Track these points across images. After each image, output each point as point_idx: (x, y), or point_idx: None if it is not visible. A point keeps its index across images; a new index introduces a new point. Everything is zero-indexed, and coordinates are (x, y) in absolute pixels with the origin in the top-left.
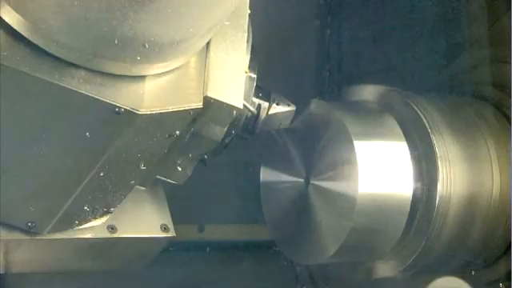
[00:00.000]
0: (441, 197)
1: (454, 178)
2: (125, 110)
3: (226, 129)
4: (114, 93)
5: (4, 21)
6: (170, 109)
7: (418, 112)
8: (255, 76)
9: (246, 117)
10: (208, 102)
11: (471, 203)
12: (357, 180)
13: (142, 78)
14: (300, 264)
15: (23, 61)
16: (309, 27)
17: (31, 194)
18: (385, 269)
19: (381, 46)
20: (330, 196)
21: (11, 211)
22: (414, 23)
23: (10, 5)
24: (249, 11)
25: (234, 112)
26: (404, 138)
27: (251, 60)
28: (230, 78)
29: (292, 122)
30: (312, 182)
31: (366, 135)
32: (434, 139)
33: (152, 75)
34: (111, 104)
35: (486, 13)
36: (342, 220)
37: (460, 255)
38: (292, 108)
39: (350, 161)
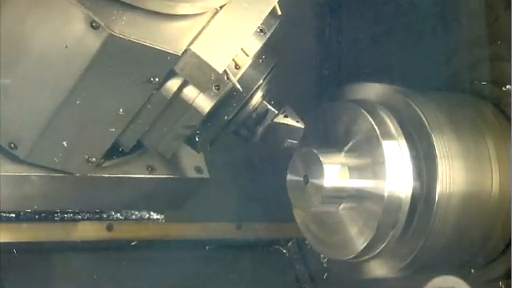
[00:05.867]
0: (440, 195)
1: (454, 176)
2: (101, 26)
3: (212, 102)
4: (98, 9)
5: None
6: (144, 42)
7: (418, 110)
8: (266, 73)
9: (249, 113)
10: (188, 55)
11: (470, 202)
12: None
13: (144, 11)
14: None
15: None
16: (309, 26)
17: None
18: (384, 267)
19: (381, 44)
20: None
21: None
22: (414, 22)
23: None
24: (279, 12)
25: (213, 75)
26: (403, 137)
27: (267, 58)
28: (222, 42)
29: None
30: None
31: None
32: (434, 138)
33: (156, 13)
34: (88, 15)
35: (486, 10)
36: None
37: (459, 254)
38: (300, 125)
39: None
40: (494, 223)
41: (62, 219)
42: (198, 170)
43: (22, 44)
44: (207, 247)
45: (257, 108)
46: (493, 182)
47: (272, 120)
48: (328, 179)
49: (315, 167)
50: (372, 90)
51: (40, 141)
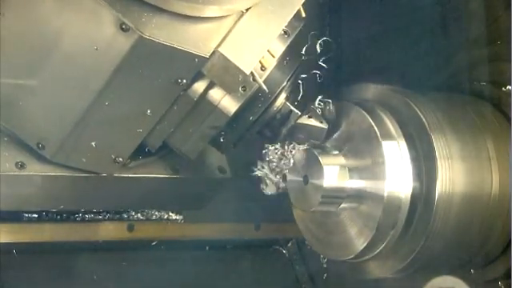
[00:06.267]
0: (440, 196)
1: (454, 176)
2: (131, 28)
3: (238, 104)
4: (128, 12)
5: None
6: (173, 44)
7: (418, 111)
8: (290, 74)
9: (274, 114)
10: (216, 56)
11: (470, 202)
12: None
13: (172, 13)
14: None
15: None
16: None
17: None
18: (384, 268)
19: (381, 44)
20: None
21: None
22: (414, 22)
23: None
24: (303, 15)
25: (240, 77)
26: (403, 137)
27: (290, 60)
28: (249, 44)
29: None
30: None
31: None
32: (434, 138)
33: (184, 16)
34: (118, 18)
35: (485, 11)
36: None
37: (459, 254)
38: (324, 126)
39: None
40: (494, 224)
41: (83, 220)
42: (221, 170)
43: (52, 45)
44: (207, 247)
45: (281, 109)
46: (493, 182)
47: (296, 121)
48: (327, 180)
49: (315, 168)
50: (372, 91)
51: (68, 141)
